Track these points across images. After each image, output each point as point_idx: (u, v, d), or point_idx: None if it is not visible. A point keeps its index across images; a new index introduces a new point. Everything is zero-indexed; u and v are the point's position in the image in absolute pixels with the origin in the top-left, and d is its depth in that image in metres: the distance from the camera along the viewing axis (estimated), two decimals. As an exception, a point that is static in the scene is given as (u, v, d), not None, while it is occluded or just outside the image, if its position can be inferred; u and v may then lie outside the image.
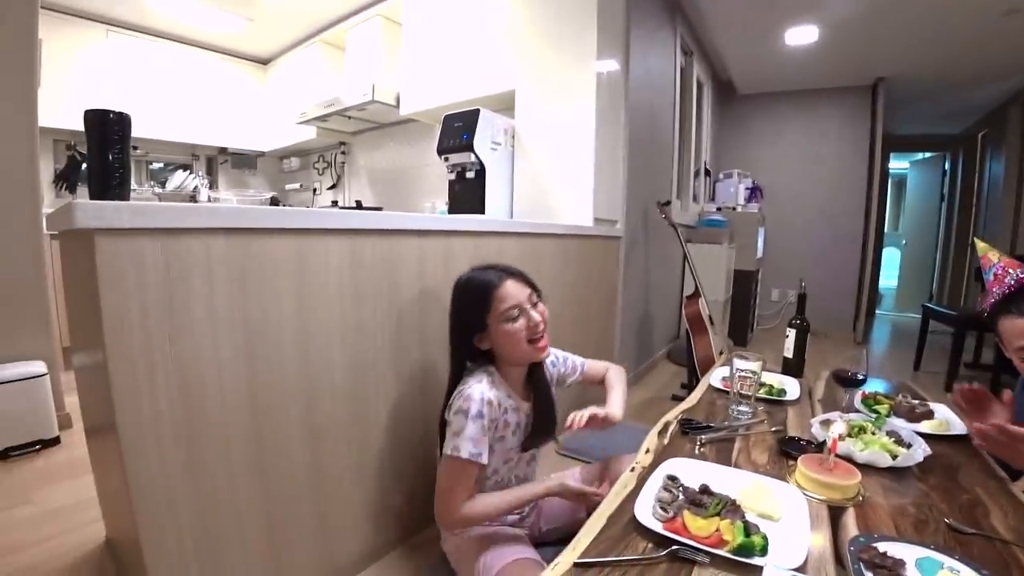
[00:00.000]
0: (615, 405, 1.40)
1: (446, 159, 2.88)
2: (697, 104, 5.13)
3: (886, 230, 8.67)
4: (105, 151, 1.09)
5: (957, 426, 1.37)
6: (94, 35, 4.04)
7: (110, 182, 1.10)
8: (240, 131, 5.08)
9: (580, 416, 1.27)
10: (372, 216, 1.50)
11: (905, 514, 0.99)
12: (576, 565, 0.81)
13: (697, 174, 5.25)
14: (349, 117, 4.16)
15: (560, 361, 1.51)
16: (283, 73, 4.97)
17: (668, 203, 3.32)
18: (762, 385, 1.57)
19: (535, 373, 1.36)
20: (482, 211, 2.80)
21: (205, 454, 1.11)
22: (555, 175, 2.85)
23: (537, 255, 2.22)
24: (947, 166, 7.75)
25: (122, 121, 1.12)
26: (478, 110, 2.76)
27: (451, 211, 2.99)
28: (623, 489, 1.03)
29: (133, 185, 3.92)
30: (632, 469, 1.12)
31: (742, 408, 1.38)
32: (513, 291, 1.23)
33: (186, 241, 1.04)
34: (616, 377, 1.53)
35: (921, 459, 1.16)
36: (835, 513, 0.99)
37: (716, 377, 1.65)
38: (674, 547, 0.83)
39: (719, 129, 6.17)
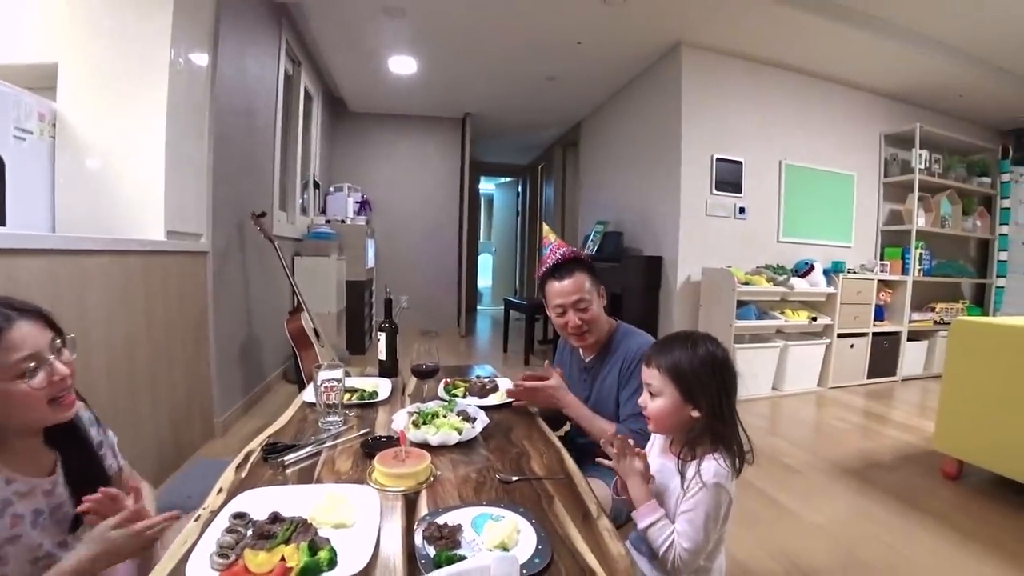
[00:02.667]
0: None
1: (-68, 148, 2.04)
2: (306, 115, 5.05)
3: (481, 239, 10.47)
4: None
5: None
6: None
7: None
8: None
9: None
10: None
11: (468, 481, 1.12)
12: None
13: (306, 186, 5.17)
14: None
15: (100, 429, 1.14)
16: None
17: (263, 215, 3.13)
18: (353, 391, 1.59)
19: (58, 431, 1.01)
20: (2, 221, 2.08)
21: None
22: (117, 178, 2.32)
23: (83, 280, 1.76)
24: (520, 188, 9.94)
25: None
26: (-10, 82, 2.03)
27: (-51, 222, 2.13)
28: (181, 547, 0.86)
29: None
30: (197, 519, 0.95)
31: (331, 419, 1.36)
32: (30, 337, 0.90)
33: None
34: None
35: (480, 429, 1.34)
36: (413, 499, 1.03)
37: (309, 392, 1.59)
38: (231, 597, 0.72)
39: (330, 143, 6.24)
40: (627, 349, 1.52)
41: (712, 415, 1.03)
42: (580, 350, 1.67)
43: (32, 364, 0.89)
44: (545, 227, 1.74)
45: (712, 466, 1.00)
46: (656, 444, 1.18)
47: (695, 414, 1.04)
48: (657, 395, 1.07)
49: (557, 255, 1.58)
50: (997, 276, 5.38)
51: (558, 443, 1.35)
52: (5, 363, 0.86)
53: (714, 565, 1.07)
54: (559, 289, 1.54)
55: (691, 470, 1.02)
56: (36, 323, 0.92)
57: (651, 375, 1.09)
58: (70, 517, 1.00)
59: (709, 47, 4.25)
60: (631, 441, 1.09)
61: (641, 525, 1.03)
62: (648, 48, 4.40)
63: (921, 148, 4.78)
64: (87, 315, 1.81)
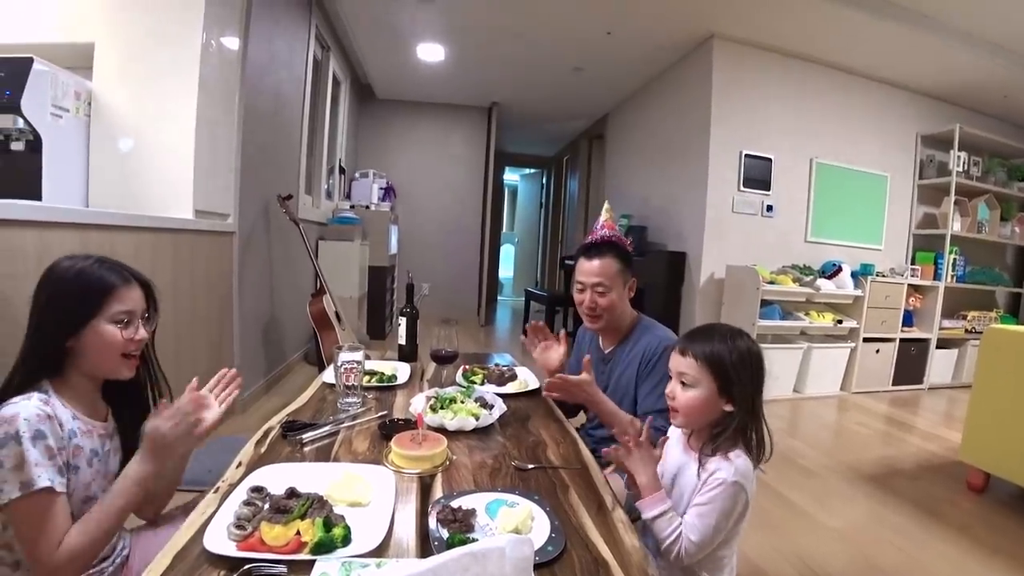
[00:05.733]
0: None
1: (-26, 121, 2.09)
2: (333, 100, 5.09)
3: (504, 230, 10.48)
4: None
5: (533, 382, 1.67)
6: None
7: None
8: None
9: None
10: None
11: (484, 466, 1.12)
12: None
13: (332, 171, 5.22)
14: None
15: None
16: None
17: (290, 197, 3.16)
18: (372, 374, 1.60)
19: (115, 386, 1.10)
20: (38, 195, 2.13)
21: None
22: (149, 157, 2.36)
23: (113, 255, 1.76)
24: (544, 180, 9.88)
25: None
26: (31, 59, 2.07)
27: (-13, 194, 2.19)
28: (200, 517, 0.88)
29: None
30: (216, 490, 0.97)
31: (350, 399, 1.37)
32: (134, 298, 1.05)
33: None
34: None
35: (497, 416, 1.34)
36: (428, 482, 1.04)
37: (329, 373, 1.61)
38: (247, 567, 0.73)
39: (357, 129, 6.27)
40: (647, 343, 1.51)
41: (744, 411, 1.02)
42: (600, 339, 1.67)
43: (126, 318, 1.02)
44: (606, 204, 1.76)
45: (738, 464, 0.99)
46: (673, 438, 1.17)
47: (728, 408, 1.03)
48: (692, 386, 1.04)
49: (598, 235, 1.60)
50: (1034, 285, 5.21)
51: (574, 433, 1.35)
52: (110, 308, 1.00)
53: (727, 562, 1.06)
54: (586, 268, 1.56)
55: (712, 464, 1.01)
56: (143, 292, 1.08)
57: (687, 364, 1.05)
58: (115, 469, 1.07)
59: (743, 40, 4.16)
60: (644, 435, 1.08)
61: (647, 515, 1.02)
62: (680, 40, 4.32)
63: (960, 150, 4.62)
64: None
